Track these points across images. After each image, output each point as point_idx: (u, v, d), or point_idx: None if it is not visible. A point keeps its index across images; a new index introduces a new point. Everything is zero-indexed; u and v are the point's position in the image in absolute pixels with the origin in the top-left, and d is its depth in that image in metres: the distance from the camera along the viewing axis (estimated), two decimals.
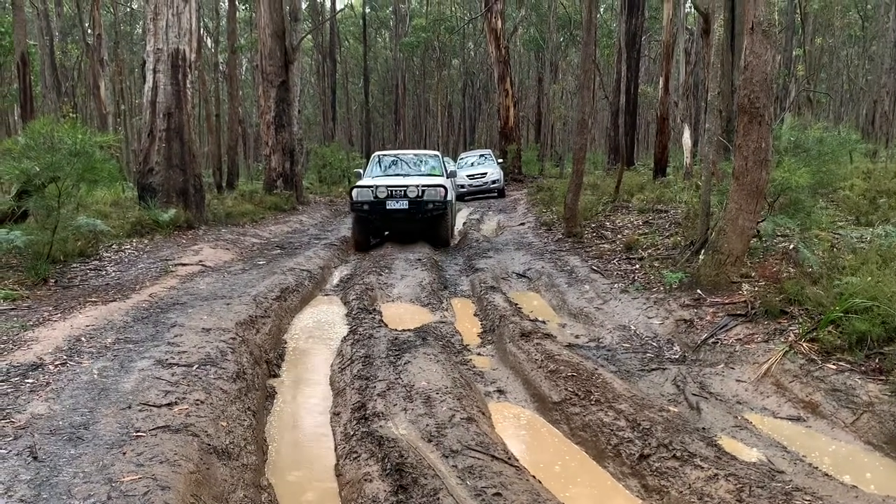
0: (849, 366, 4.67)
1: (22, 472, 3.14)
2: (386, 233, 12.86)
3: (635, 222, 11.62)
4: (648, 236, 10.05)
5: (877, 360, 4.62)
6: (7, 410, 3.89)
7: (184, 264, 9.01)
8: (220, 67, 35.94)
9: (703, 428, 4.28)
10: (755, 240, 7.72)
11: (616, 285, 7.77)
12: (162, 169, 12.07)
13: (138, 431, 3.64)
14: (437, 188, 11.49)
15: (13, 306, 6.56)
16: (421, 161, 13.60)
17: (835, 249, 7.51)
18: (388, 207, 11.37)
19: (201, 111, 30.12)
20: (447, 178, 12.73)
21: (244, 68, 44.44)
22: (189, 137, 12.40)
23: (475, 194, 24.04)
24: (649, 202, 13.16)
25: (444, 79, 51.57)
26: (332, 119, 38.68)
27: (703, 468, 3.70)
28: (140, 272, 8.43)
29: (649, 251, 9.16)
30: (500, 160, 25.89)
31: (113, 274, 8.35)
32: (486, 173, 24.08)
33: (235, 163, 23.22)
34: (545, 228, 13.24)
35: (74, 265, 8.60)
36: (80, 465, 3.22)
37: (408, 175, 12.71)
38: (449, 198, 11.79)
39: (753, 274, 6.83)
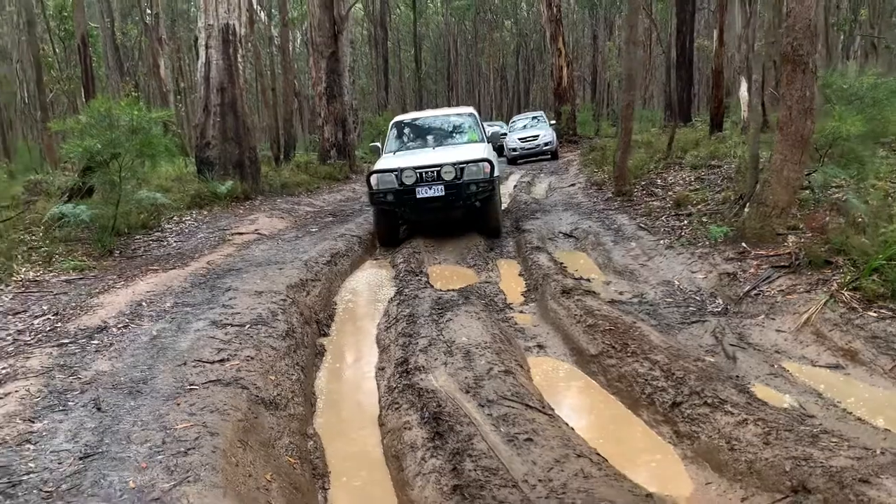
0: (890, 313, 4.62)
1: (87, 421, 3.44)
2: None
3: (687, 178, 11.44)
4: (699, 192, 9.90)
5: None
6: (74, 368, 4.22)
7: (240, 233, 9.36)
8: (275, 41, 36.40)
9: (738, 376, 4.33)
10: (807, 192, 7.57)
11: (662, 241, 7.75)
12: (218, 143, 12.46)
13: (192, 385, 3.92)
14: (480, 164, 8.91)
15: (81, 276, 6.99)
16: (453, 125, 10.83)
17: (890, 198, 7.30)
18: (418, 196, 8.83)
19: (257, 85, 30.68)
20: (487, 143, 10.33)
21: (298, 41, 44.85)
22: (242, 111, 12.74)
23: (527, 157, 23.87)
24: (702, 158, 12.90)
25: (496, 42, 51.05)
26: (384, 88, 38.81)
27: (733, 414, 3.76)
28: (199, 242, 8.82)
29: (699, 207, 9.04)
30: (553, 122, 25.60)
31: (174, 244, 8.76)
32: (538, 136, 23.86)
33: (291, 135, 23.66)
34: (595, 188, 13.16)
35: (138, 237, 9.05)
36: (138, 415, 3.50)
37: (440, 146, 10.17)
38: (496, 174, 9.20)
39: (801, 226, 6.71)
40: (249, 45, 28.97)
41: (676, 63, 23.21)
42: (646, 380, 4.42)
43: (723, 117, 18.63)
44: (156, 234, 9.38)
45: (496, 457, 3.45)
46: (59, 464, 2.99)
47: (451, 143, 10.37)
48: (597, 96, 42.20)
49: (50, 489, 2.77)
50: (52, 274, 7.03)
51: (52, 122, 9.89)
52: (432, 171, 8.86)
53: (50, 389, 3.87)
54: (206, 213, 10.87)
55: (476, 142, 10.25)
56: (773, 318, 5.24)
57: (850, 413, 3.82)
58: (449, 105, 47.17)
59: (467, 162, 8.93)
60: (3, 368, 4.24)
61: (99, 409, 3.58)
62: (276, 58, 34.70)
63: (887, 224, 5.54)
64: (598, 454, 3.56)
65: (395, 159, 9.58)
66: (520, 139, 24.18)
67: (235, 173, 12.38)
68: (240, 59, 12.70)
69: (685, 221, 8.42)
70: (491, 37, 47.70)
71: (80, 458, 3.03)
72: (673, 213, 9.07)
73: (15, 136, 33.17)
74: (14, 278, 6.71)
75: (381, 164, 9.54)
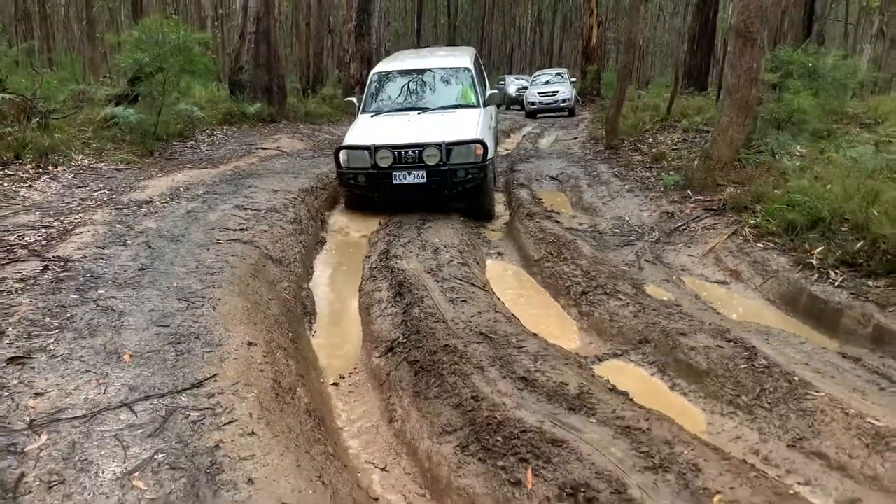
0: (773, 245, 5.78)
1: (142, 252, 4.73)
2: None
3: (675, 139, 12.46)
4: (678, 150, 10.96)
5: (796, 242, 5.70)
6: (129, 223, 5.52)
7: (264, 148, 10.60)
8: None
9: (638, 279, 5.53)
10: (768, 156, 8.60)
11: (626, 186, 8.88)
12: (250, 68, 13.62)
13: (218, 240, 5.19)
14: (471, 145, 7.38)
15: (128, 167, 8.28)
16: (444, 80, 8.99)
17: (829, 165, 8.34)
18: (395, 182, 7.40)
19: (293, 18, 31.54)
20: (485, 106, 8.58)
21: None
22: (275, 41, 13.86)
23: (545, 112, 24.72)
24: (697, 123, 13.87)
25: None
26: (416, 33, 39.43)
27: (621, 300, 4.98)
28: (228, 152, 10.07)
29: (673, 162, 10.12)
30: (573, 79, 26.37)
31: (205, 151, 10.02)
32: (556, 91, 24.66)
33: (320, 69, 24.69)
34: (593, 142, 14.21)
35: (175, 143, 10.31)
36: (178, 252, 4.79)
37: (426, 110, 8.41)
38: (490, 156, 7.69)
39: (743, 180, 7.80)
40: None
41: (698, 33, 23.83)
42: (568, 277, 5.64)
43: None
44: (190, 142, 10.65)
45: (436, 308, 4.70)
46: (125, 271, 4.27)
47: (439, 106, 8.53)
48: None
49: (120, 282, 4.06)
50: (103, 163, 8.30)
51: (109, 35, 11.07)
52: (413, 152, 7.37)
53: (112, 233, 5.16)
54: (235, 129, 12.11)
55: (471, 105, 8.54)
56: (689, 247, 6.42)
57: (711, 308, 5.02)
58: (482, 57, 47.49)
59: (455, 143, 7.37)
60: (76, 218, 5.54)
61: (149, 247, 4.86)
62: None
63: (797, 179, 6.64)
64: (514, 315, 4.79)
65: (371, 129, 8.02)
66: (539, 94, 25.01)
67: (264, 97, 13.57)
68: None
69: (654, 172, 9.52)
70: None
71: (139, 270, 4.32)
72: (648, 166, 10.16)
73: (57, 49, 34.35)
74: (73, 164, 7.98)
75: (352, 135, 8.00)
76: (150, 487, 2.19)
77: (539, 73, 29.08)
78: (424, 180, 7.38)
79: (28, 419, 2.53)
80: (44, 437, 2.42)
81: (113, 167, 8.14)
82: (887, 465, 2.85)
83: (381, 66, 9.61)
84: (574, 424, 2.97)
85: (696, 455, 2.74)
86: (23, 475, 2.21)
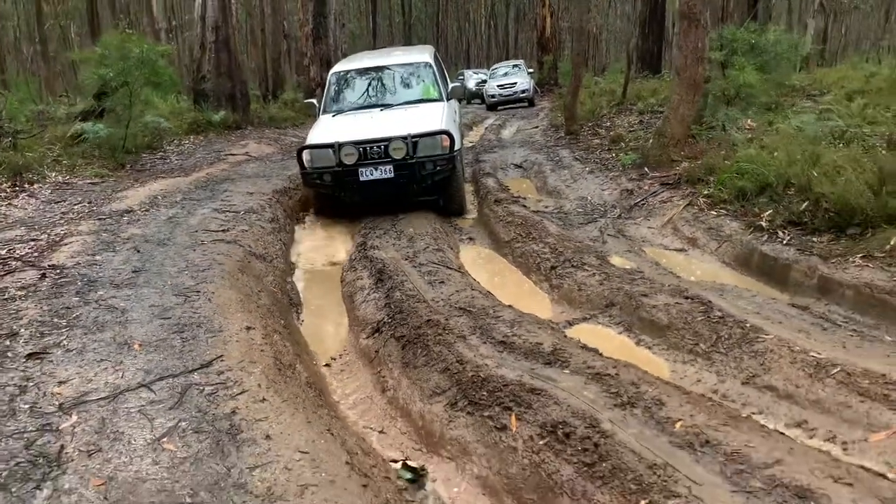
0: (726, 212, 6.19)
1: (132, 256, 4.96)
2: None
3: (632, 122, 12.88)
4: (635, 132, 11.37)
5: (746, 207, 6.11)
6: (114, 231, 5.73)
7: (233, 154, 10.79)
8: None
9: (603, 252, 5.89)
10: (721, 131, 9.02)
11: (587, 168, 9.26)
12: (212, 77, 13.77)
13: (202, 242, 5.44)
14: (437, 136, 7.34)
15: (102, 180, 8.43)
16: (405, 76, 8.97)
17: (776, 134, 8.79)
18: (362, 179, 7.28)
19: (247, 26, 31.56)
20: (448, 100, 8.53)
21: None
22: (234, 48, 14.03)
23: (505, 103, 25.11)
24: (651, 105, 14.31)
25: None
26: (372, 33, 39.58)
27: (587, 271, 5.32)
28: (198, 160, 10.25)
29: (630, 144, 10.53)
30: (530, 70, 26.81)
31: (176, 161, 10.19)
32: (515, 83, 25.07)
33: (279, 74, 24.78)
34: (553, 129, 14.62)
35: (145, 155, 10.46)
36: (166, 254, 5.03)
37: (388, 106, 8.32)
38: (457, 147, 7.57)
39: (696, 155, 8.21)
40: None
41: (648, 17, 24.39)
42: (538, 255, 5.97)
43: None
44: (159, 153, 10.80)
45: (417, 290, 4.99)
46: (119, 274, 4.51)
47: (402, 101, 8.46)
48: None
49: (117, 283, 4.29)
50: (77, 179, 8.45)
51: (71, 53, 11.15)
52: (378, 147, 7.27)
53: (100, 241, 5.38)
54: (201, 138, 12.27)
55: (433, 100, 8.46)
56: (648, 220, 6.81)
57: (671, 273, 5.39)
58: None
59: (421, 135, 7.28)
60: (62, 230, 5.74)
61: (138, 251, 5.09)
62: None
63: (745, 150, 7.06)
64: (489, 292, 5.11)
65: (333, 127, 7.88)
66: (498, 86, 25.40)
67: (227, 105, 13.72)
68: (233, 0, 13.90)
69: (613, 154, 9.92)
70: None
71: (132, 272, 4.55)
72: (606, 148, 10.56)
73: (9, 70, 33.90)
74: (48, 181, 8.12)
75: (314, 135, 7.87)
76: (179, 448, 2.47)
77: (496, 65, 29.48)
78: (392, 175, 7.26)
79: (57, 403, 2.79)
80: (74, 417, 2.68)
81: (87, 181, 8.30)
82: (827, 390, 3.23)
83: (340, 66, 9.53)
84: (550, 375, 3.30)
85: (659, 392, 3.08)
86: (62, 447, 2.47)
